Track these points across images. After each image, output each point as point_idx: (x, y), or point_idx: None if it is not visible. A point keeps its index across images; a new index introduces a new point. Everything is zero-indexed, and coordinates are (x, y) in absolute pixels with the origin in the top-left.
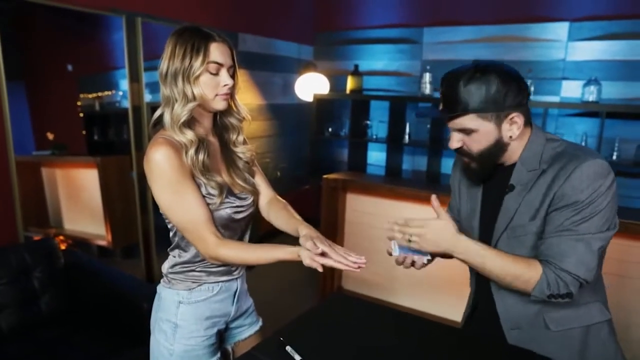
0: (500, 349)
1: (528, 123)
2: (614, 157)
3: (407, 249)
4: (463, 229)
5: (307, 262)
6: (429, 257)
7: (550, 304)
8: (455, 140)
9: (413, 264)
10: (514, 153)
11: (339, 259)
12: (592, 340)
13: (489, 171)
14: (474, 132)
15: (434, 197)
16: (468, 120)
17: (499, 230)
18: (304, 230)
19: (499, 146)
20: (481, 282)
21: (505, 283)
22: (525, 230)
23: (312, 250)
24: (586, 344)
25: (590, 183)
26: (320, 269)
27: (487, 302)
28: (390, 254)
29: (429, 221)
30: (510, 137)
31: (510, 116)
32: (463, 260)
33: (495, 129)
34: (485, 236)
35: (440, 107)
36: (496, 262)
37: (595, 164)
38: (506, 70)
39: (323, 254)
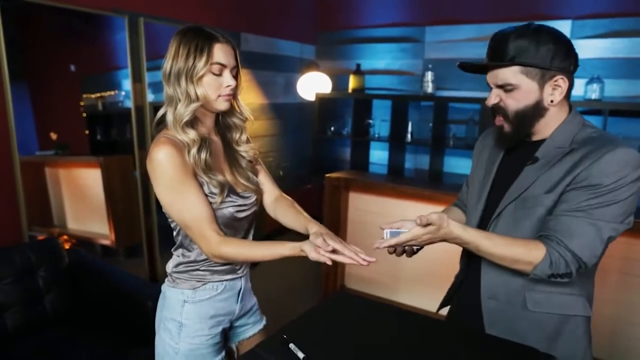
0: (505, 346)
1: (568, 99)
2: None
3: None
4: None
5: (312, 255)
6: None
7: (535, 283)
8: (494, 96)
9: (404, 252)
10: (547, 126)
11: (350, 255)
12: (567, 331)
13: (521, 136)
14: (514, 88)
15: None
16: (511, 74)
17: (509, 198)
18: (313, 227)
19: (537, 110)
20: (472, 256)
21: (506, 263)
22: (536, 201)
23: (322, 247)
24: (559, 332)
25: (619, 170)
26: (329, 262)
27: (473, 276)
28: (378, 248)
29: (416, 229)
30: (552, 101)
31: (555, 78)
32: (459, 238)
33: (537, 89)
34: (492, 205)
35: (485, 61)
36: (495, 242)
37: (629, 153)
38: (559, 32)
39: (334, 251)
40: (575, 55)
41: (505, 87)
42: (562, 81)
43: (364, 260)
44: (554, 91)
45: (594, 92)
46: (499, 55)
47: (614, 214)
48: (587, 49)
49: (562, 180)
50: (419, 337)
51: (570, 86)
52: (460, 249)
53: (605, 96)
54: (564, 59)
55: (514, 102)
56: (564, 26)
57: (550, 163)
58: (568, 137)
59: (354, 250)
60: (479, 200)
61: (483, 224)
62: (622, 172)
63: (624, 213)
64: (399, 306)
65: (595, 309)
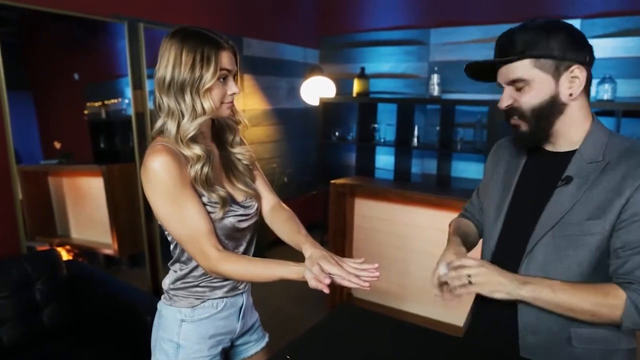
0: None
1: (588, 100)
2: None
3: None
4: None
5: (312, 284)
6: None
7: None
8: (506, 97)
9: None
10: (570, 130)
11: (349, 277)
12: None
13: (542, 135)
14: (527, 84)
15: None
16: (523, 68)
17: (545, 226)
18: (308, 250)
19: (556, 105)
20: None
21: (584, 315)
22: (582, 230)
23: (318, 275)
24: None
25: None
26: (326, 291)
27: (504, 312)
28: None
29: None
30: (570, 95)
31: (571, 69)
32: (526, 299)
33: (552, 82)
34: (514, 234)
35: (494, 58)
36: (570, 290)
37: None
38: (569, 24)
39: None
40: (590, 47)
41: (517, 85)
42: (578, 71)
43: (367, 278)
44: (572, 83)
45: (606, 93)
46: (507, 52)
47: None
48: (598, 48)
49: (610, 204)
50: (429, 352)
51: (589, 81)
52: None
53: (618, 97)
54: (578, 49)
55: (529, 99)
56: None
57: (587, 183)
58: (598, 148)
59: (354, 271)
60: (498, 217)
61: (504, 247)
62: None
63: None
64: (407, 316)
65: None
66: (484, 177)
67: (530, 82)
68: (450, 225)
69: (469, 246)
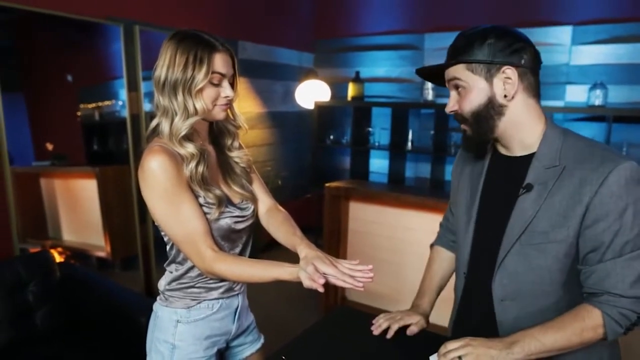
0: None
1: (538, 102)
2: None
3: None
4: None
5: (306, 283)
6: None
7: None
8: (452, 102)
9: None
10: (519, 131)
11: (343, 277)
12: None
13: (484, 138)
14: (464, 88)
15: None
16: (457, 72)
17: (512, 238)
18: (303, 251)
19: (494, 107)
20: (476, 293)
21: (574, 347)
22: (548, 237)
23: (312, 275)
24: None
25: (631, 190)
26: (321, 290)
27: (482, 313)
28: None
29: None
30: (505, 96)
31: (503, 69)
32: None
33: (486, 85)
34: (485, 245)
35: (430, 64)
36: (552, 331)
37: (633, 168)
38: (509, 28)
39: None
40: (532, 50)
41: (458, 87)
42: (510, 72)
43: (359, 280)
44: (505, 85)
45: (597, 98)
46: (449, 57)
47: None
48: (589, 54)
49: (572, 211)
50: (424, 352)
51: (537, 83)
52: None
53: (609, 102)
54: (512, 53)
55: (468, 103)
56: (564, 32)
57: (546, 190)
58: (554, 152)
59: (348, 271)
60: (468, 224)
61: (476, 260)
62: (635, 189)
63: None
64: None
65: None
66: (452, 186)
67: (466, 84)
68: (430, 253)
69: (447, 280)
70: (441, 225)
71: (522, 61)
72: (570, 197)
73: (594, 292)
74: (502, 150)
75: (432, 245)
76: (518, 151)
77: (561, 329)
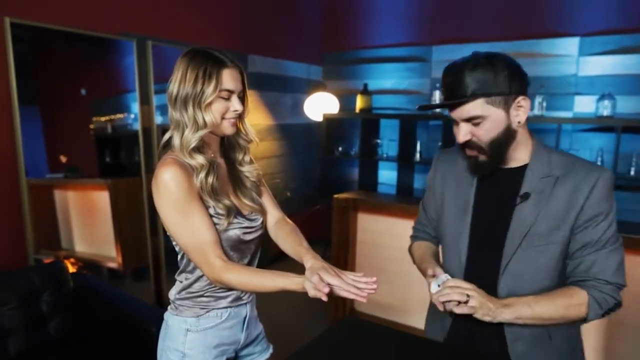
0: None
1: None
2: (632, 172)
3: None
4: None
5: (311, 293)
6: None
7: None
8: (463, 133)
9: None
10: (517, 150)
11: (348, 287)
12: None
13: (499, 163)
14: (483, 120)
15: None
16: (476, 107)
17: (514, 243)
18: (309, 262)
19: (509, 133)
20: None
21: (558, 320)
22: (547, 239)
23: (317, 285)
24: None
25: (611, 194)
26: (324, 299)
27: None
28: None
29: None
30: (519, 122)
31: (517, 100)
32: (508, 320)
33: (504, 115)
34: (485, 251)
35: (443, 99)
36: (543, 301)
37: (612, 176)
38: (508, 56)
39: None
40: (526, 74)
41: (474, 121)
42: (524, 101)
43: (363, 291)
44: (519, 112)
45: (605, 109)
46: (459, 91)
47: (618, 233)
48: (597, 65)
49: (567, 214)
50: None
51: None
52: None
53: (617, 112)
54: (520, 81)
55: (486, 133)
56: (572, 43)
57: (544, 197)
58: (545, 164)
59: (352, 281)
60: (461, 233)
61: (476, 264)
62: (612, 195)
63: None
64: (410, 329)
65: None
66: (428, 191)
67: (486, 117)
68: (411, 251)
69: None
70: (416, 229)
71: (526, 90)
72: (565, 202)
73: (581, 279)
74: None
75: (410, 246)
76: (511, 164)
77: (551, 301)
